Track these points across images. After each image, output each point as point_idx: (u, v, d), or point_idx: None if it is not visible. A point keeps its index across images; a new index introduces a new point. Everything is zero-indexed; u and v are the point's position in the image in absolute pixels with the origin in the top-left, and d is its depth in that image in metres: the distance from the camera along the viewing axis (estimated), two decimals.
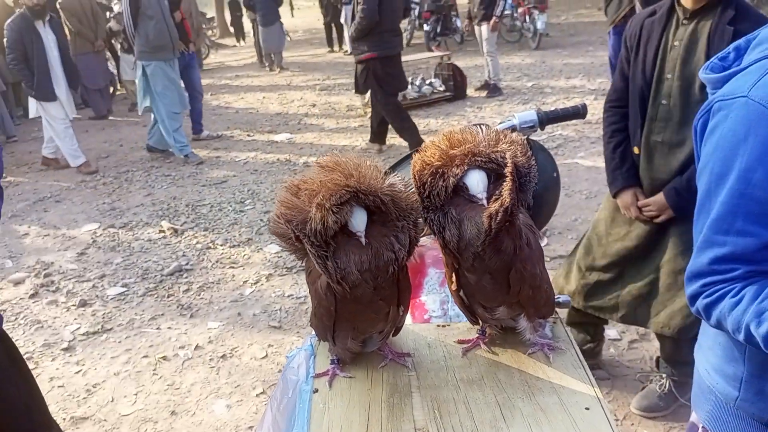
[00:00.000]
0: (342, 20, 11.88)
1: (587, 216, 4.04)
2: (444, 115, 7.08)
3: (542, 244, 3.26)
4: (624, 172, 2.06)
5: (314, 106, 8.06)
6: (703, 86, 1.77)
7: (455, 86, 7.65)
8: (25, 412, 1.45)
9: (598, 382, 2.39)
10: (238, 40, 14.69)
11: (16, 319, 3.31)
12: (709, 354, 0.94)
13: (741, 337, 0.80)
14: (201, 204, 4.89)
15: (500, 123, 1.88)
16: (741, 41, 0.93)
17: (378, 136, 5.81)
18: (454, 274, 0.91)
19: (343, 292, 0.81)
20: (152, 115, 5.95)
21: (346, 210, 0.78)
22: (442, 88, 7.62)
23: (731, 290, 0.82)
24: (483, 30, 7.60)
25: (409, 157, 1.91)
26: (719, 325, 0.85)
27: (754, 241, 0.80)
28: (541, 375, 0.90)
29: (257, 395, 2.60)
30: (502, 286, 0.87)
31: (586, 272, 2.25)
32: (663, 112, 1.91)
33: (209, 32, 13.33)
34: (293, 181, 0.83)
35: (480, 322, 0.98)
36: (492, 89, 7.78)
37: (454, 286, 0.92)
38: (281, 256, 3.87)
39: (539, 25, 10.54)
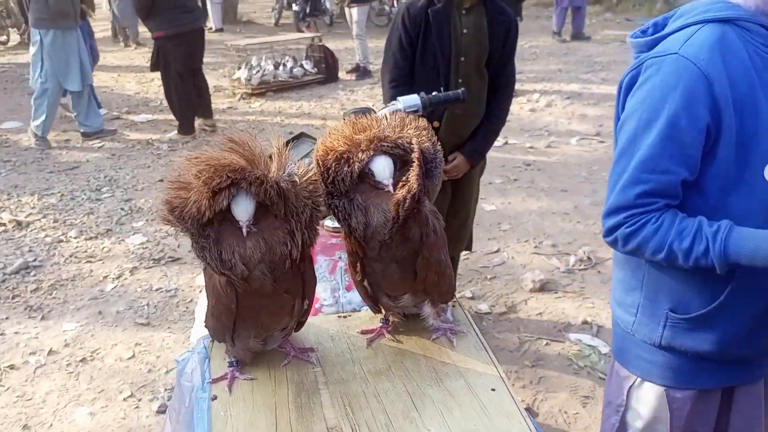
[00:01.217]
0: None
1: None
2: (317, 97, 6.99)
3: None
4: None
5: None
6: (487, 65, 2.17)
7: (327, 68, 7.57)
8: None
9: None
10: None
11: None
12: (615, 292, 1.09)
13: (662, 256, 0.94)
14: (49, 193, 4.39)
15: (384, 107, 1.87)
16: (658, 18, 1.08)
17: (185, 125, 5.58)
18: (358, 264, 0.88)
19: (243, 287, 0.74)
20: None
21: (223, 195, 0.71)
22: (314, 71, 7.50)
23: (651, 219, 0.95)
24: (354, 12, 7.59)
25: (300, 137, 1.84)
26: (636, 251, 0.97)
27: (675, 178, 0.94)
28: (446, 360, 0.90)
29: (124, 399, 2.40)
30: (408, 273, 0.86)
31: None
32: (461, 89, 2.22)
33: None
34: (194, 153, 0.74)
35: (383, 311, 0.96)
36: (362, 72, 7.81)
37: (358, 276, 0.89)
38: (146, 248, 3.59)
39: None
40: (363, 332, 0.96)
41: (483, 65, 2.15)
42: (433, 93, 1.93)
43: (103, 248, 3.58)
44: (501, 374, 0.86)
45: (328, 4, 11.36)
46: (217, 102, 6.75)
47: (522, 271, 3.25)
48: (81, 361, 2.63)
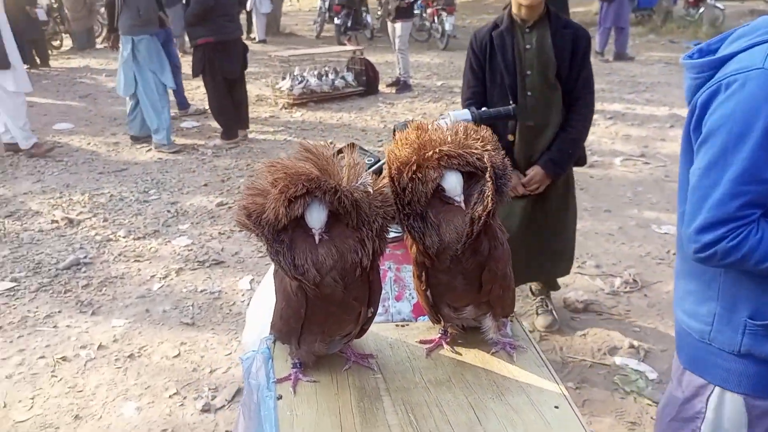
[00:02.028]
0: (248, 7, 11.51)
1: None
2: (357, 109, 7.07)
3: None
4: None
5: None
6: (558, 77, 2.28)
7: (368, 81, 7.66)
8: None
9: None
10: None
11: None
12: (684, 304, 1.10)
13: (766, 265, 0.96)
14: (99, 193, 4.55)
15: (435, 121, 1.89)
16: (703, 45, 1.10)
17: (228, 131, 5.72)
18: (424, 273, 0.89)
19: (314, 292, 0.77)
20: (130, 101, 5.45)
21: (299, 204, 0.74)
22: (354, 83, 7.60)
23: (752, 230, 0.98)
24: (397, 27, 7.67)
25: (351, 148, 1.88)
26: (736, 263, 0.99)
27: None
28: (506, 374, 0.90)
29: (170, 396, 2.45)
30: (474, 285, 0.87)
31: None
32: (531, 102, 2.31)
33: (102, 9, 12.40)
34: (269, 162, 0.77)
35: (442, 321, 0.97)
36: (402, 86, 7.87)
37: (423, 286, 0.90)
38: (191, 250, 3.68)
39: (447, 26, 10.82)
40: (422, 342, 0.97)
41: (552, 77, 2.27)
42: (483, 108, 1.97)
43: (150, 248, 3.69)
44: (564, 392, 0.86)
45: (369, 19, 11.50)
46: (260, 111, 6.90)
47: (565, 291, 3.22)
48: (129, 356, 2.71)
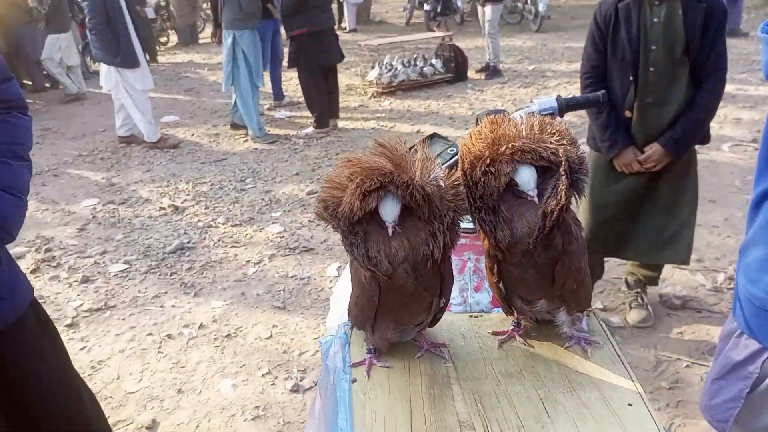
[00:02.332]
0: None
1: None
2: (445, 97, 7.03)
3: None
4: (622, 134, 2.36)
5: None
6: (682, 51, 2.20)
7: (456, 68, 7.59)
8: (58, 382, 1.45)
9: None
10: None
11: None
12: (748, 270, 1.08)
13: None
14: (201, 182, 4.85)
15: (519, 108, 1.87)
16: None
17: (321, 119, 5.85)
18: (496, 266, 0.90)
19: (387, 283, 0.80)
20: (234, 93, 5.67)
21: (373, 197, 0.77)
22: (443, 70, 7.55)
23: None
24: (487, 11, 7.53)
25: (433, 137, 1.91)
26: None
27: None
28: (580, 369, 0.90)
29: (263, 375, 2.61)
30: (546, 279, 0.87)
31: (596, 230, 2.55)
32: (653, 77, 2.25)
33: (205, 5, 13.07)
34: (348, 157, 0.81)
35: (515, 314, 0.98)
36: (492, 71, 7.73)
37: (495, 278, 0.91)
38: (283, 237, 3.86)
39: (541, 7, 10.46)
40: (494, 333, 0.98)
41: (679, 53, 2.21)
42: (572, 95, 1.92)
43: (246, 235, 3.90)
44: (639, 390, 0.85)
45: (459, 3, 11.35)
46: (349, 100, 7.03)
47: (662, 286, 3.07)
48: (226, 336, 2.90)
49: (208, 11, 13.28)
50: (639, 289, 2.91)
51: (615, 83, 2.35)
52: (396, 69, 7.19)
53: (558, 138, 0.84)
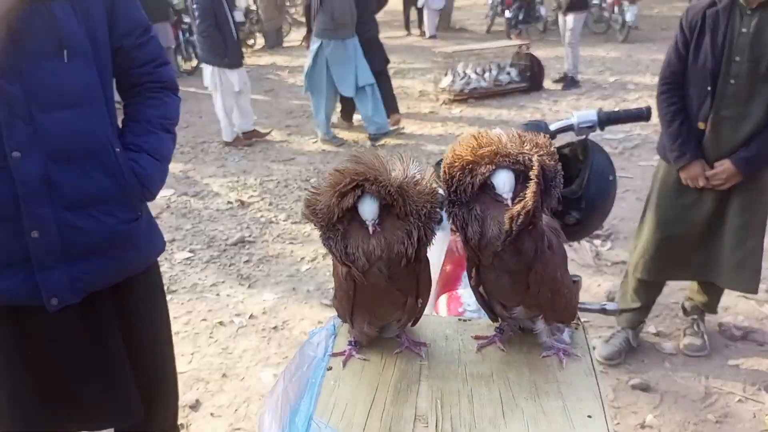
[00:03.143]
0: (419, 4, 11.81)
1: None
2: (517, 106, 6.95)
3: (606, 248, 3.18)
4: (692, 145, 2.29)
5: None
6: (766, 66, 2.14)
7: (532, 77, 7.49)
8: (164, 337, 1.64)
9: (646, 392, 2.36)
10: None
11: None
12: None
13: None
14: (269, 179, 5.07)
15: (558, 121, 1.86)
16: None
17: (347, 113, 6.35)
18: (474, 270, 0.93)
19: (361, 279, 0.86)
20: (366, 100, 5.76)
21: (351, 196, 0.82)
22: (518, 79, 7.47)
23: None
24: (569, 19, 7.38)
25: None
26: None
27: None
28: (551, 379, 0.91)
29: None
30: (521, 286, 0.89)
31: (659, 245, 2.46)
32: (732, 90, 2.18)
33: (292, 10, 13.56)
34: (334, 167, 0.88)
35: (499, 320, 1.00)
36: (569, 82, 7.56)
37: (473, 282, 0.94)
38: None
39: (629, 17, 10.09)
40: (476, 338, 1.01)
41: (764, 68, 2.13)
42: (615, 109, 1.89)
43: (304, 232, 4.05)
44: (604, 404, 0.85)
45: (543, 11, 11.14)
46: (420, 106, 7.10)
47: (723, 315, 2.93)
48: (273, 328, 3.03)
49: (295, 16, 13.80)
50: (696, 316, 2.78)
51: (692, 92, 2.29)
52: (469, 77, 7.18)
53: (537, 149, 0.86)
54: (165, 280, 3.47)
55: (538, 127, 1.81)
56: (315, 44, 5.63)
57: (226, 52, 5.45)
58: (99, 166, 1.31)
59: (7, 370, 1.35)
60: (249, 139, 5.96)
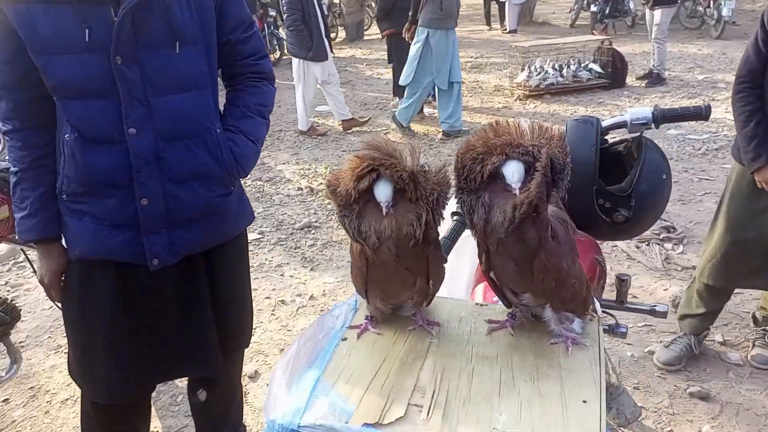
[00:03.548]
0: None
1: None
2: (595, 103, 6.73)
3: (677, 252, 3.08)
4: None
5: (462, 83, 8.05)
6: None
7: (614, 73, 7.22)
8: (247, 300, 1.79)
9: (705, 401, 2.29)
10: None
11: None
12: None
13: None
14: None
15: (611, 117, 1.84)
16: None
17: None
18: (484, 256, 0.97)
19: (372, 256, 0.92)
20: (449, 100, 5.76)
21: (367, 179, 0.89)
22: (598, 75, 7.22)
23: None
24: (656, 14, 7.05)
25: None
26: None
27: None
28: (554, 365, 0.93)
29: None
30: (527, 273, 0.92)
31: (728, 249, 2.37)
32: None
33: (373, 4, 13.70)
34: (353, 153, 0.95)
35: (512, 306, 1.03)
36: (654, 79, 7.23)
37: (484, 267, 0.98)
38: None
39: (725, 11, 9.48)
40: (489, 321, 1.05)
41: None
42: (671, 106, 1.84)
43: None
44: (601, 392, 0.87)
45: (631, 5, 10.66)
46: (494, 101, 7.02)
47: None
48: None
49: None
50: (767, 327, 2.65)
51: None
52: (546, 72, 7.03)
53: (548, 140, 0.89)
54: None
55: (589, 123, 1.80)
56: (421, 35, 5.59)
57: (312, 45, 5.60)
58: (202, 144, 1.45)
59: (109, 321, 1.52)
60: (348, 127, 6.12)
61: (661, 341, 2.72)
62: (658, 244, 3.61)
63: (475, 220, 0.89)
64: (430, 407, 0.84)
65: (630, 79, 7.45)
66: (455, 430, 0.80)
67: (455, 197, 0.93)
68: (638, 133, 1.81)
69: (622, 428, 2.24)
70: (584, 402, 0.85)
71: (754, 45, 2.21)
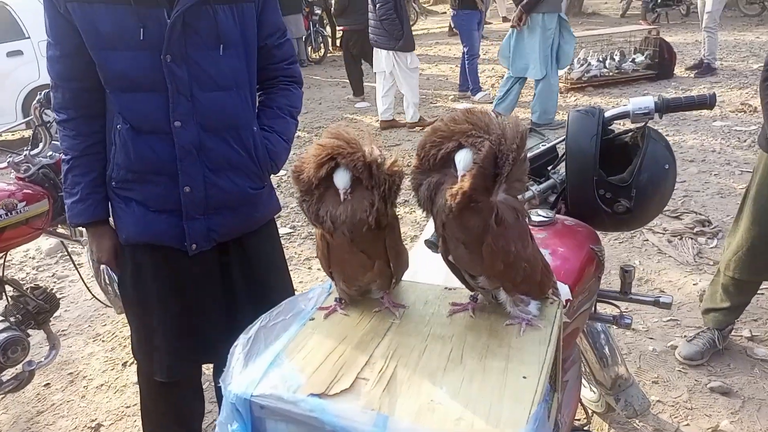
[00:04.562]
0: None
1: None
2: (640, 95, 6.54)
3: (710, 246, 3.02)
4: None
5: (502, 76, 7.97)
6: None
7: (661, 64, 7.01)
8: (286, 282, 1.91)
9: (726, 397, 2.26)
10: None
11: None
12: None
13: None
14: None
15: (613, 107, 1.83)
16: None
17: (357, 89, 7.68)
18: (441, 239, 1.02)
19: (330, 240, 0.98)
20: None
21: (326, 167, 0.96)
22: (645, 66, 7.02)
23: None
24: (707, 2, 6.80)
25: (530, 131, 2.00)
26: None
27: None
28: (504, 344, 0.97)
29: None
30: (477, 257, 0.96)
31: (754, 242, 2.33)
32: None
33: None
34: (317, 142, 1.02)
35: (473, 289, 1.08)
36: (704, 69, 6.97)
37: (441, 250, 1.03)
38: (427, 219, 4.08)
39: None
40: (452, 304, 1.09)
41: None
42: (675, 95, 1.83)
43: (399, 214, 4.20)
44: (543, 370, 0.90)
45: None
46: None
47: None
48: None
49: (425, 4, 13.92)
50: None
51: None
52: (589, 64, 6.89)
53: (492, 136, 0.92)
54: None
55: (591, 113, 1.80)
56: (535, 19, 5.40)
57: (402, 35, 5.71)
58: (239, 139, 1.57)
59: (159, 302, 1.64)
60: (412, 126, 6.14)
61: (684, 336, 2.66)
62: (692, 238, 3.51)
63: (419, 197, 0.95)
64: (375, 380, 0.90)
65: (679, 70, 7.21)
66: (395, 401, 0.86)
67: (410, 176, 0.98)
68: (642, 123, 1.80)
69: (633, 420, 2.22)
70: (524, 378, 0.89)
71: None
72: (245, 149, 1.59)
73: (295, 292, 1.91)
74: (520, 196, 1.54)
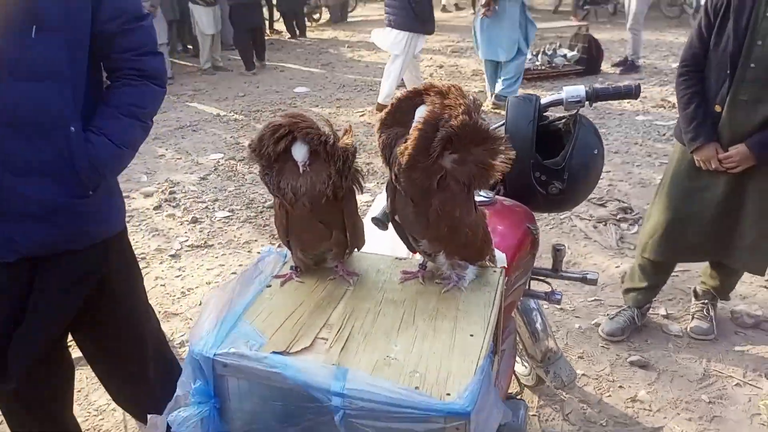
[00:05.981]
0: None
1: None
2: None
3: (631, 232, 3.20)
4: (707, 128, 2.32)
5: (441, 67, 8.14)
6: None
7: (589, 60, 7.34)
8: (145, 308, 1.74)
9: (644, 369, 2.42)
10: None
11: (140, 225, 3.92)
12: None
13: None
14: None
15: (548, 96, 1.95)
16: None
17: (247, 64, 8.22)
18: (390, 199, 1.08)
19: (290, 210, 1.02)
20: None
21: (284, 141, 1.00)
22: (573, 61, 7.34)
23: None
24: (632, 2, 7.17)
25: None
26: None
27: None
28: (452, 307, 1.04)
29: None
30: (423, 219, 1.03)
31: (668, 225, 2.51)
32: (751, 74, 2.19)
33: None
34: (272, 120, 1.06)
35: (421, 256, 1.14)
36: (628, 66, 7.36)
37: (388, 208, 1.10)
38: (369, 206, 4.15)
39: (703, 0, 9.62)
40: (403, 272, 1.16)
41: None
42: (604, 85, 1.96)
43: None
44: (488, 329, 0.98)
45: None
46: (471, 86, 7.11)
47: (737, 302, 2.91)
48: None
49: None
50: (706, 301, 2.79)
51: (711, 75, 2.29)
52: None
53: (453, 108, 0.98)
54: (204, 236, 3.77)
55: (528, 100, 1.91)
56: (516, 4, 5.61)
57: (426, 16, 5.61)
58: (47, 140, 1.34)
59: None
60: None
61: (607, 314, 2.86)
62: (615, 225, 3.75)
63: (380, 143, 1.02)
64: (333, 339, 0.95)
65: (605, 66, 7.58)
66: (353, 357, 0.91)
67: (378, 130, 1.03)
68: (574, 111, 1.92)
69: (561, 391, 2.38)
70: (471, 336, 0.97)
71: (698, 30, 2.32)
72: (56, 152, 1.34)
73: (146, 339, 1.71)
74: (484, 193, 1.64)
